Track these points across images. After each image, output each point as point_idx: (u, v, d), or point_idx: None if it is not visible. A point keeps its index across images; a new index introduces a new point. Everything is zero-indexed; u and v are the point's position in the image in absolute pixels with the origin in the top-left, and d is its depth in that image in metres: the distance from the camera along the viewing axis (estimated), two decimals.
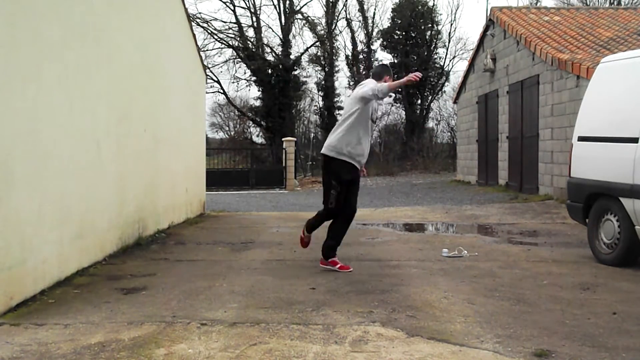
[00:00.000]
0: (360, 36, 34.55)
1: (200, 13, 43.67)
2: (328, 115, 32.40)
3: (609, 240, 6.19)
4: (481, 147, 18.06)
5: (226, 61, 33.18)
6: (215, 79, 32.55)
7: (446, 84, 34.70)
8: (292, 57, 31.55)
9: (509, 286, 5.15)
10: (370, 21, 34.26)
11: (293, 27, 32.30)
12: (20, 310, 4.41)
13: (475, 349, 3.55)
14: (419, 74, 5.50)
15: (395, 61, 32.89)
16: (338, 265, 5.84)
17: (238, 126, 37.96)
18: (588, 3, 30.57)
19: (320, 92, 34.02)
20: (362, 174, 5.99)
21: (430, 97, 34.23)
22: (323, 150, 5.90)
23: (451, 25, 40.14)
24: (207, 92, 19.65)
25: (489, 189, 16.23)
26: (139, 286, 5.21)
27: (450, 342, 3.66)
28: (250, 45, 31.40)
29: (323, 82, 33.49)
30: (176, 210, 9.53)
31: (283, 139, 22.56)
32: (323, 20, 33.38)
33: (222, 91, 33.90)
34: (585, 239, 6.79)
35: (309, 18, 32.70)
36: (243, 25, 31.79)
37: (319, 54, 33.63)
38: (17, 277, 4.53)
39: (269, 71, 30.42)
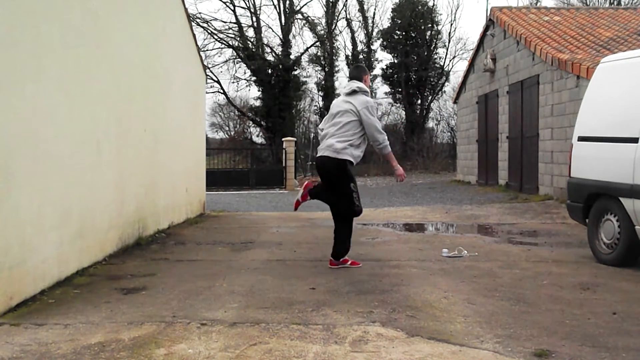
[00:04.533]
0: (360, 36, 34.62)
1: (200, 13, 43.82)
2: None
3: (609, 240, 6.19)
4: (481, 147, 18.06)
5: (226, 61, 33.24)
6: (215, 79, 32.60)
7: (446, 84, 34.78)
8: (292, 57, 31.56)
9: (509, 286, 5.15)
10: (370, 21, 34.31)
11: (293, 27, 32.34)
12: (20, 310, 4.41)
13: (475, 349, 3.54)
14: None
15: (395, 61, 32.89)
16: (349, 262, 6.01)
17: (238, 126, 37.99)
18: (588, 3, 30.58)
19: (320, 92, 34.04)
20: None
21: (430, 97, 34.25)
22: (331, 154, 5.84)
23: (451, 25, 40.25)
24: (207, 92, 19.66)
25: (489, 189, 16.23)
26: (139, 286, 5.21)
27: (450, 342, 3.66)
28: (250, 45, 31.41)
29: (323, 82, 33.50)
30: (176, 210, 9.53)
31: (283, 139, 22.56)
32: (323, 20, 33.44)
33: (222, 91, 33.96)
34: (585, 239, 6.79)
35: (309, 18, 32.76)
36: (243, 25, 31.84)
37: (319, 54, 33.65)
38: (17, 277, 4.53)
39: (269, 71, 30.42)
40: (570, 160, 6.89)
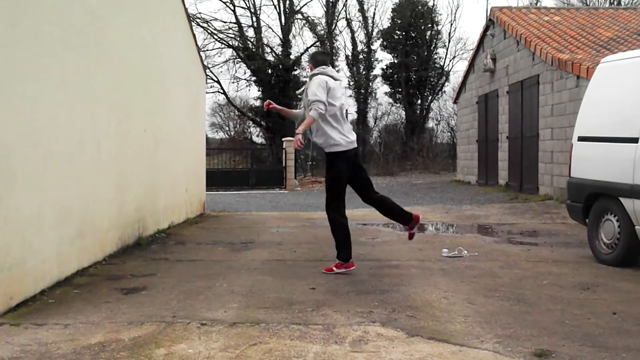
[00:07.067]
0: (360, 36, 34.61)
1: (200, 13, 43.76)
2: None
3: (609, 240, 6.19)
4: (481, 147, 18.07)
5: (226, 61, 33.20)
6: (215, 79, 32.56)
7: (446, 84, 34.78)
8: (292, 57, 31.55)
9: (509, 286, 5.16)
10: (370, 21, 34.31)
11: (293, 27, 32.33)
12: (20, 310, 4.41)
13: (475, 349, 3.55)
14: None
15: (395, 61, 32.88)
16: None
17: (238, 126, 37.97)
18: (588, 3, 30.58)
19: None
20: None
21: (430, 97, 34.25)
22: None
23: (451, 25, 40.27)
24: (207, 92, 19.63)
25: (489, 189, 16.23)
26: (139, 286, 5.21)
27: (450, 342, 3.66)
28: (250, 45, 31.40)
29: None
30: (176, 210, 9.53)
31: (283, 139, 22.55)
32: (323, 20, 33.42)
33: (222, 91, 33.91)
34: (585, 239, 6.79)
35: (309, 18, 32.74)
36: (243, 25, 31.82)
37: None
38: (17, 277, 4.53)
39: (269, 71, 30.41)
40: (570, 160, 6.89)
